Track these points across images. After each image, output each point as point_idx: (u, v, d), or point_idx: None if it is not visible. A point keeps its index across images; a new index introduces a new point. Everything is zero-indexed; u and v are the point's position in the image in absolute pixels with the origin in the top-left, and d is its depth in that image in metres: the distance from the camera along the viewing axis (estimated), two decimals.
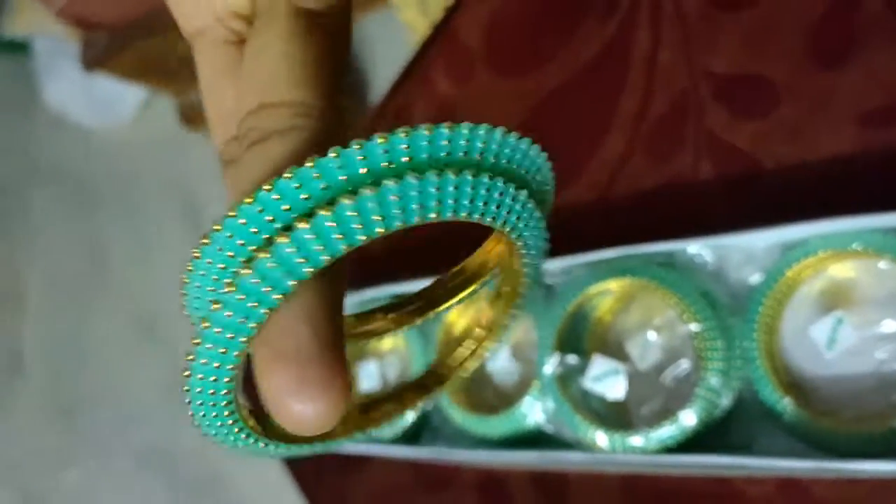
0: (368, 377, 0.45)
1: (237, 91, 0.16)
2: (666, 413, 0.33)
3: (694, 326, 0.32)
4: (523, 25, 0.41)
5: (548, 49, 0.39)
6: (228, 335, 0.13)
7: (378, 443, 0.43)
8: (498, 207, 0.14)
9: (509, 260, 0.17)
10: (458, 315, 0.41)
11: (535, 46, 0.40)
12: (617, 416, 0.35)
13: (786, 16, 0.32)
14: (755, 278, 0.32)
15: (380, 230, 0.13)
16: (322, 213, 0.12)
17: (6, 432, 1.81)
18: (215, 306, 0.12)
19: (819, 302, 0.31)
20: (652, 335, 0.35)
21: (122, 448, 1.53)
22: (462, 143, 0.13)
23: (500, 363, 0.40)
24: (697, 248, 0.33)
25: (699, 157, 0.34)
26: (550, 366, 0.36)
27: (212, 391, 0.14)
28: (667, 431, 0.32)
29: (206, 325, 0.13)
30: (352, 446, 0.44)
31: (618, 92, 0.36)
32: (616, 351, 0.36)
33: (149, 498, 1.47)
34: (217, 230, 0.13)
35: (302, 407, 0.13)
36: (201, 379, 0.14)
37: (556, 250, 0.37)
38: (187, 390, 0.14)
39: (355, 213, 0.12)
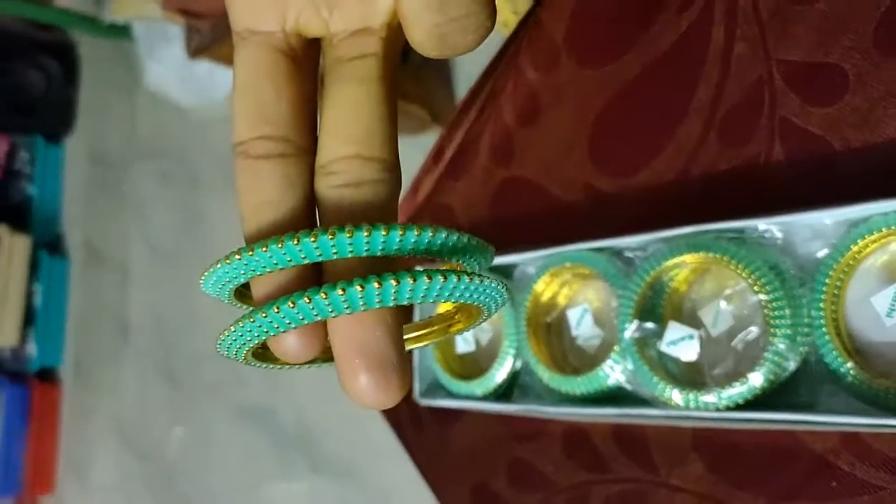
0: (465, 342, 0.50)
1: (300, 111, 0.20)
2: (736, 374, 0.37)
3: (763, 296, 0.36)
4: (603, 19, 0.44)
5: (626, 41, 0.42)
6: (288, 321, 0.18)
7: (472, 399, 0.48)
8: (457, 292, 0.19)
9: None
10: (544, 286, 0.46)
11: (614, 38, 0.43)
12: (690, 377, 0.39)
13: (855, 7, 0.34)
14: (822, 252, 0.35)
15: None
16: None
17: (117, 393, 1.95)
18: (292, 304, 0.18)
19: (881, 274, 0.34)
20: (724, 304, 0.38)
21: (225, 405, 1.63)
22: (426, 241, 0.18)
23: (585, 328, 0.44)
24: (767, 225, 0.37)
25: (772, 141, 0.37)
26: (630, 331, 0.40)
27: (243, 343, 0.20)
28: (737, 390, 0.36)
29: (292, 305, 0.18)
30: (449, 402, 0.50)
31: (694, 81, 0.39)
32: (690, 318, 0.40)
33: (251, 450, 1.56)
34: (278, 247, 0.18)
35: (375, 395, 0.18)
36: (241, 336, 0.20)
37: (635, 227, 0.40)
38: (227, 335, 0.20)
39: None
